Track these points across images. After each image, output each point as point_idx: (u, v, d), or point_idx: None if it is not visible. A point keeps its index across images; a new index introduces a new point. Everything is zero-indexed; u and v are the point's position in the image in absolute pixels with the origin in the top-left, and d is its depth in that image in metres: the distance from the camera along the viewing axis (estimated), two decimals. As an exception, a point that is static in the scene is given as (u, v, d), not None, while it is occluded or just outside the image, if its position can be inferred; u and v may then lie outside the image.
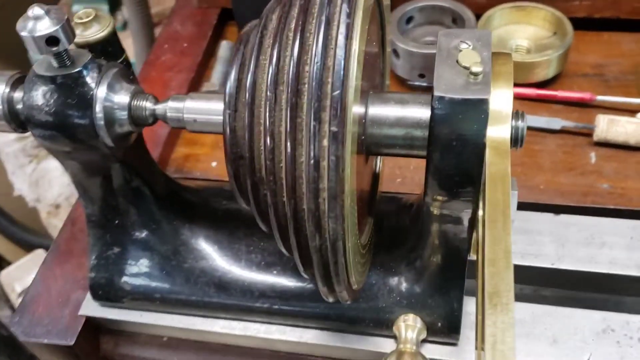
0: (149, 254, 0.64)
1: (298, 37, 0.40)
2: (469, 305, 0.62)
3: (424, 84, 0.87)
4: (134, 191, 0.61)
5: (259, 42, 0.45)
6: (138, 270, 0.64)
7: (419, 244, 0.57)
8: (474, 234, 0.50)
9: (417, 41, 0.89)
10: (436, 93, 0.44)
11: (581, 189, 0.75)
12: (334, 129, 0.38)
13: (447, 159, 0.45)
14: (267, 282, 0.62)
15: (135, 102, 0.54)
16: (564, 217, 0.69)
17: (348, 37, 0.38)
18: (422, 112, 0.48)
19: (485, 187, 0.41)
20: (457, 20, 0.87)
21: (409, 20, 0.89)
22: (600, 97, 0.82)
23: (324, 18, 0.39)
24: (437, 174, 0.47)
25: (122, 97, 0.53)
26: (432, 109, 0.44)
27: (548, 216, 0.69)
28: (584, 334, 0.60)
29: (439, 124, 0.44)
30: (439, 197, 0.49)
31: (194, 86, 0.91)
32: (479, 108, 0.43)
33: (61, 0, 1.74)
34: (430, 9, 0.88)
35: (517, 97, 0.85)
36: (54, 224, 1.53)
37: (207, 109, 0.52)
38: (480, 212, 0.44)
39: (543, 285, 0.67)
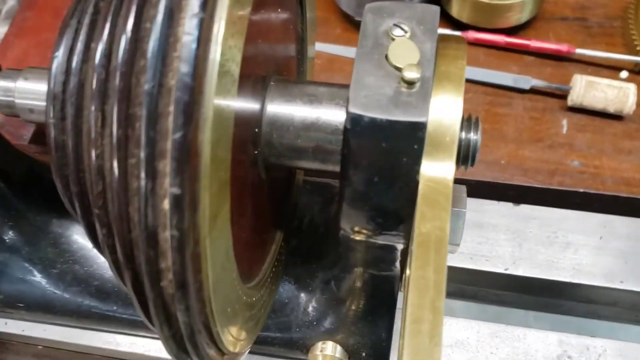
0: (8, 256, 0.50)
1: (131, 28, 0.26)
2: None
3: (374, 23, 0.72)
4: (-20, 182, 0.47)
5: (92, 18, 0.30)
6: (-5, 274, 0.51)
7: (339, 261, 0.45)
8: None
9: (366, -32, 0.72)
10: (351, 109, 0.30)
11: (548, 167, 0.63)
12: (175, 190, 0.24)
13: (366, 195, 0.33)
14: (156, 293, 0.50)
15: (-49, 79, 0.39)
16: (525, 209, 0.58)
17: (200, 41, 0.24)
18: (339, 117, 0.34)
19: (412, 256, 0.29)
20: (416, -56, 0.70)
21: (358, -59, 0.72)
22: (579, 50, 0.68)
23: (162, 6, 0.24)
24: (354, 207, 0.34)
25: None
26: (346, 130, 0.30)
27: (506, 207, 0.58)
28: (536, 361, 0.51)
29: (355, 153, 0.31)
30: (359, 230, 0.37)
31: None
32: (411, 135, 0.30)
33: None
34: None
35: (484, 45, 0.71)
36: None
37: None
38: (408, 271, 0.32)
39: (493, 291, 0.56)
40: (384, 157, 0.30)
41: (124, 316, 0.50)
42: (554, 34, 0.72)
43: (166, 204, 0.25)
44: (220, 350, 0.32)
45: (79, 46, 0.29)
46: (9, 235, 0.50)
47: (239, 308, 0.34)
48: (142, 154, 0.24)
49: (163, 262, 0.26)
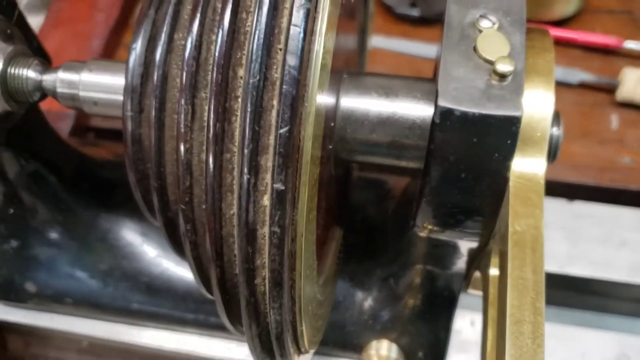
0: (56, 251, 0.50)
1: (228, 15, 0.25)
2: (457, 321, 0.50)
3: (415, 15, 0.70)
4: (32, 177, 0.46)
5: (175, 8, 0.29)
6: (43, 269, 0.50)
7: (399, 258, 0.44)
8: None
9: (408, -40, 0.71)
10: (441, 102, 0.29)
11: (599, 163, 0.62)
12: (279, 186, 0.23)
13: (450, 192, 0.32)
14: (207, 290, 0.49)
15: (13, 71, 0.38)
16: (579, 205, 0.56)
17: (306, 32, 0.23)
18: (418, 111, 0.33)
19: (508, 256, 0.28)
20: None
21: None
22: (628, 44, 0.67)
23: (267, -5, 0.23)
24: (433, 204, 0.33)
25: (-9, 63, 0.37)
26: (434, 125, 0.29)
27: (560, 203, 0.57)
28: (594, 362, 0.50)
29: (443, 148, 0.30)
30: (432, 227, 0.36)
31: (128, 9, 0.73)
32: (504, 129, 0.29)
33: None
34: None
35: (528, 39, 0.69)
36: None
37: (113, 85, 0.36)
38: (494, 272, 0.31)
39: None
40: (473, 152, 0.29)
41: (174, 313, 0.50)
42: (601, 27, 0.70)
43: (266, 200, 0.24)
44: (299, 349, 0.31)
45: (163, 37, 0.28)
46: (58, 230, 0.50)
47: (315, 306, 0.33)
48: (245, 149, 0.23)
49: (259, 259, 0.25)
